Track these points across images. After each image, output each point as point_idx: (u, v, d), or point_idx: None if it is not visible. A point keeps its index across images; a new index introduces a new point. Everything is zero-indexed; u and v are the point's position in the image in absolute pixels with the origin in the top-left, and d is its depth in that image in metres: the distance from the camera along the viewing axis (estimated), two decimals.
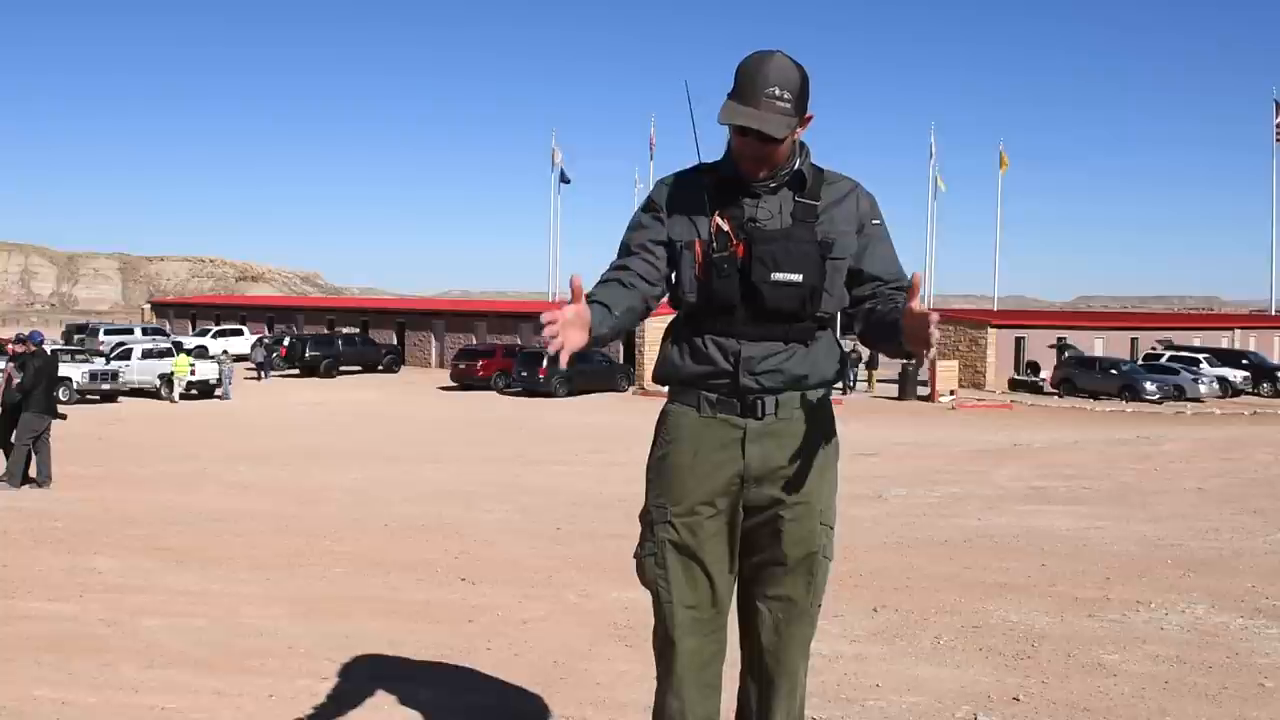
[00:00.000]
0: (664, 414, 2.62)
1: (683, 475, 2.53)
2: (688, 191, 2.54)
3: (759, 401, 2.49)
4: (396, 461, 17.67)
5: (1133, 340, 46.10)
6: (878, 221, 2.57)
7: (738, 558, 2.58)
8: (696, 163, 2.58)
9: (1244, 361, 41.21)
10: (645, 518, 2.60)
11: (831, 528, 2.57)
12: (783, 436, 2.50)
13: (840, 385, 40.57)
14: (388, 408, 32.66)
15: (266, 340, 47.74)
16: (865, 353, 43.54)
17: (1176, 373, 37.72)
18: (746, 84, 2.37)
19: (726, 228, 2.45)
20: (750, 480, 2.50)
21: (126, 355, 36.37)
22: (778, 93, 2.35)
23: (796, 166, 2.51)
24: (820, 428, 2.56)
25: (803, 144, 2.54)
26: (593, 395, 37.25)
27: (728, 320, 2.48)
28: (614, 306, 2.38)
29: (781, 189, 2.51)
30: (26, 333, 12.79)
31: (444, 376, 43.54)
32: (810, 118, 2.47)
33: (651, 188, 2.66)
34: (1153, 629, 4.81)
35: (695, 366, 2.53)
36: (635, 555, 2.61)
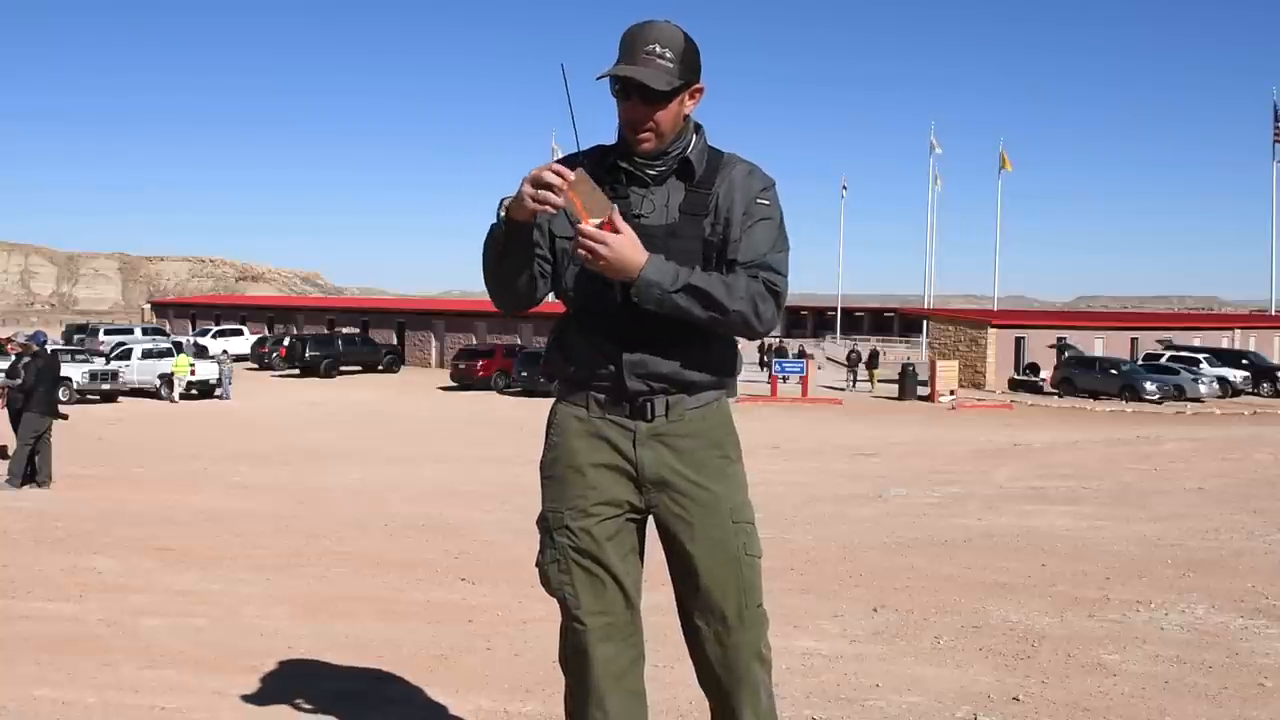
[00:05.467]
0: (552, 413, 2.53)
1: (574, 478, 2.44)
2: None
3: (648, 403, 2.40)
4: (396, 461, 17.68)
5: (1133, 340, 46.11)
6: (765, 203, 2.40)
7: (643, 559, 2.52)
8: (596, 144, 2.46)
9: (1244, 361, 41.23)
10: (542, 523, 2.49)
11: (750, 523, 2.47)
12: (676, 438, 2.41)
13: (843, 385, 40.57)
14: (388, 408, 32.66)
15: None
16: (865, 352, 43.58)
17: (1176, 373, 37.71)
18: (626, 46, 2.29)
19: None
20: (646, 483, 2.42)
21: (126, 355, 36.40)
22: (658, 50, 2.27)
23: (689, 148, 2.40)
24: (716, 428, 2.47)
25: (698, 125, 2.44)
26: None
27: (611, 321, 2.37)
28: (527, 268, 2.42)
29: (670, 178, 2.40)
30: (23, 336, 12.81)
31: (444, 376, 43.55)
32: (701, 89, 2.37)
33: None
34: (1153, 629, 4.80)
35: (581, 367, 2.44)
36: (537, 563, 2.50)
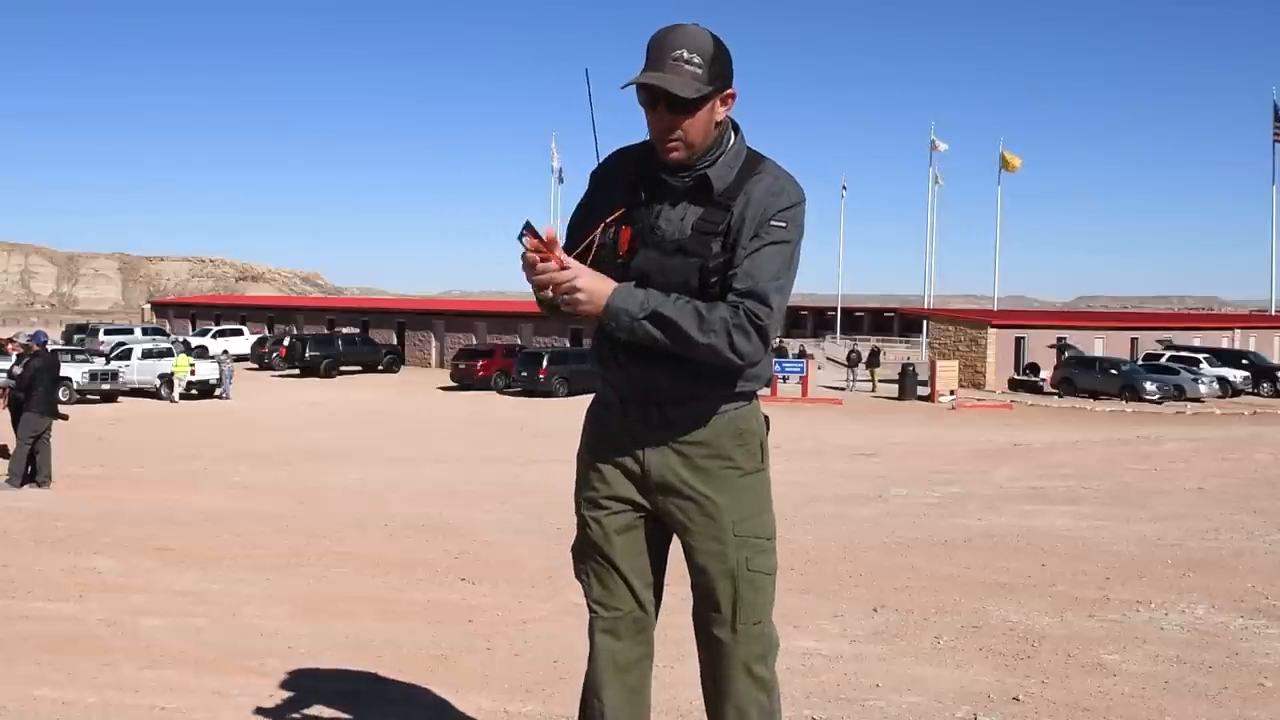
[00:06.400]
0: (589, 407, 2.60)
1: (591, 471, 2.50)
2: (613, 178, 2.42)
3: (652, 410, 2.41)
4: (396, 461, 17.68)
5: (1133, 340, 46.11)
6: (781, 225, 2.29)
7: (664, 561, 2.53)
8: (644, 140, 2.41)
9: (1244, 361, 41.24)
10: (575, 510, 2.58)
11: (759, 538, 2.43)
12: (683, 445, 2.40)
13: (843, 385, 40.55)
14: (388, 408, 32.67)
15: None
16: (865, 352, 43.58)
17: (1176, 373, 37.72)
18: (653, 52, 2.23)
19: (622, 234, 2.33)
20: (652, 487, 2.43)
21: (126, 355, 36.41)
22: (685, 55, 2.21)
23: (719, 160, 2.33)
24: (725, 438, 2.42)
25: (735, 124, 2.37)
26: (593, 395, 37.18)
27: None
28: None
29: (693, 191, 2.34)
30: (24, 337, 12.82)
31: (444, 376, 43.56)
32: (732, 94, 2.30)
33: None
34: (1153, 629, 4.80)
35: (605, 369, 2.48)
36: (571, 548, 2.58)
